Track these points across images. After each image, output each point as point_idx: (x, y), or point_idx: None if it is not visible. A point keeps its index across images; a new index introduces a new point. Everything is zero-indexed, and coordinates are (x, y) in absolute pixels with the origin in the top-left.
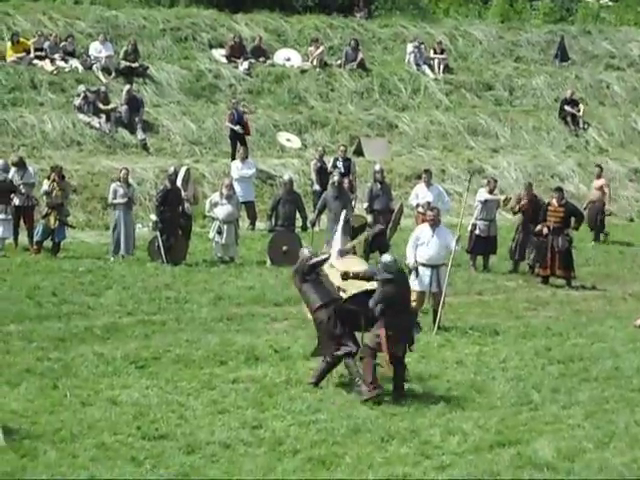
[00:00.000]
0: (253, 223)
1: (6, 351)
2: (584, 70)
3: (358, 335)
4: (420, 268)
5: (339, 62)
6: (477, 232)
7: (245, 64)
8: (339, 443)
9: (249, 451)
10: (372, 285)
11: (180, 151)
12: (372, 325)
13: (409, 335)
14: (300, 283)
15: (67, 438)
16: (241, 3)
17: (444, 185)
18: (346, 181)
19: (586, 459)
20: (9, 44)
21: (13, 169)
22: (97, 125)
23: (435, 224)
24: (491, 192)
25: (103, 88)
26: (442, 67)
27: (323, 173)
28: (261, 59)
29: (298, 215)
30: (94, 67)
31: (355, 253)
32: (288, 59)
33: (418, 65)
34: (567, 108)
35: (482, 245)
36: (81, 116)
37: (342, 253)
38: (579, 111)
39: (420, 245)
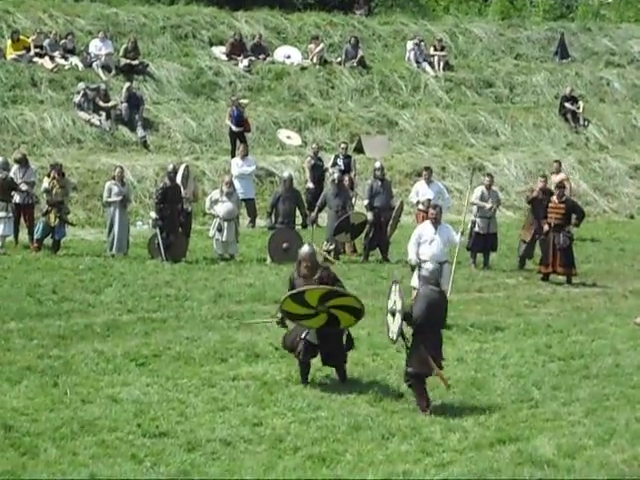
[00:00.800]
0: (253, 220)
1: (6, 349)
2: (584, 67)
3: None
4: (424, 265)
5: (339, 59)
6: (476, 229)
7: (245, 61)
8: (339, 440)
9: (249, 448)
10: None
11: (180, 148)
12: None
13: (441, 351)
14: None
15: (67, 436)
16: (241, 0)
17: (444, 182)
18: (346, 178)
19: (586, 456)
20: (9, 42)
21: (15, 166)
22: (97, 123)
23: (437, 222)
24: (488, 188)
25: (103, 86)
26: (442, 64)
27: (317, 171)
28: (261, 56)
29: (298, 212)
30: (94, 64)
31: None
32: (288, 56)
33: (418, 62)
34: (567, 105)
35: (481, 242)
36: (81, 114)
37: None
38: (579, 108)
39: (423, 243)
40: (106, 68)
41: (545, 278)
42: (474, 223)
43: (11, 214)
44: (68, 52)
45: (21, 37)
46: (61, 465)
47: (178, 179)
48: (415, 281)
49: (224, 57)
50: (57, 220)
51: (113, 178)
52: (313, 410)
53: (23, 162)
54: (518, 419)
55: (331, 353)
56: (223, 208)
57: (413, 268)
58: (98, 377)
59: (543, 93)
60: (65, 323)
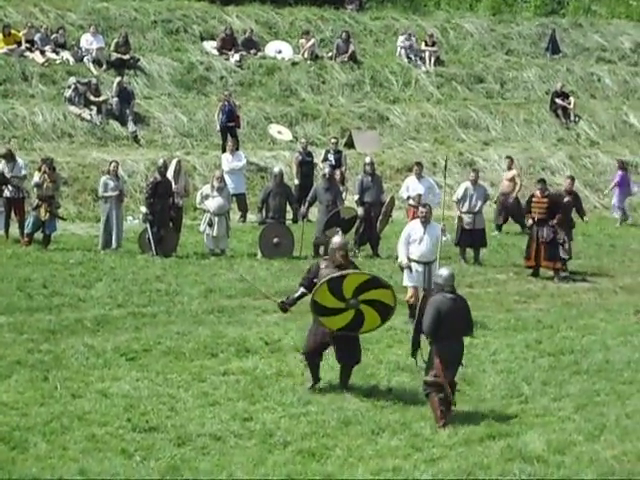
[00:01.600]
0: (244, 215)
1: None
2: (575, 63)
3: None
4: (413, 264)
5: (330, 54)
6: (462, 225)
7: (236, 56)
8: (329, 435)
9: (239, 443)
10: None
11: (171, 143)
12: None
13: (459, 359)
14: None
15: (57, 430)
16: None
17: (435, 178)
18: (337, 173)
19: (576, 452)
20: (0, 36)
21: (2, 162)
22: (88, 117)
23: (426, 221)
24: (474, 183)
25: (94, 80)
26: (433, 60)
27: (305, 166)
28: (252, 51)
29: (289, 207)
30: (85, 59)
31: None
32: (279, 51)
33: (409, 58)
34: (558, 101)
35: (468, 238)
36: (72, 108)
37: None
38: (570, 104)
39: (412, 242)
40: (97, 62)
41: (535, 274)
42: (460, 219)
43: (2, 208)
44: (59, 46)
45: (12, 31)
46: (51, 459)
47: (169, 174)
48: (406, 281)
49: (215, 52)
50: (48, 214)
51: (108, 173)
52: (303, 405)
53: (9, 157)
54: (508, 415)
55: (346, 349)
56: (214, 203)
57: (402, 268)
58: (88, 372)
59: (534, 89)
60: (55, 317)
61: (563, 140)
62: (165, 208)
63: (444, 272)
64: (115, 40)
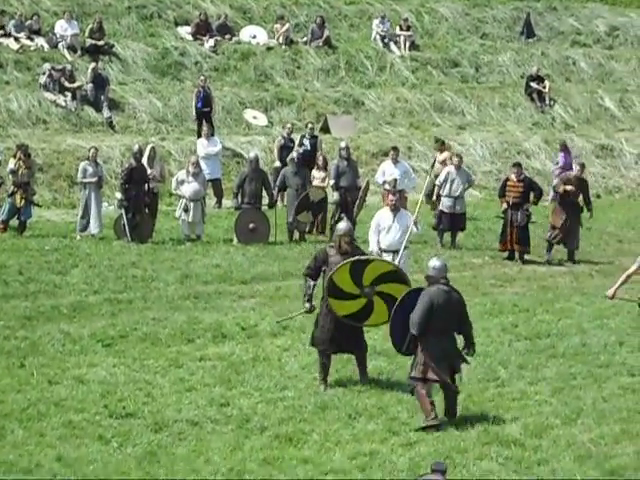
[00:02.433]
0: (219, 201)
1: None
2: (550, 47)
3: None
4: (383, 254)
5: (305, 39)
6: (441, 208)
7: (211, 41)
8: (306, 420)
9: (216, 429)
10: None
11: (146, 129)
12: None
13: (450, 356)
14: None
15: (34, 417)
16: None
17: (410, 162)
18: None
19: (553, 435)
20: None
21: None
22: (63, 103)
23: (396, 209)
24: (458, 168)
25: (69, 66)
26: (408, 44)
27: (286, 151)
28: (227, 36)
29: (264, 193)
30: (60, 45)
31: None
32: (254, 36)
33: (384, 42)
34: (533, 85)
35: (447, 221)
36: (47, 94)
37: None
38: (545, 88)
39: (381, 231)
40: (72, 49)
41: (511, 257)
42: (439, 201)
43: None
44: (33, 33)
45: None
46: (28, 446)
47: (144, 160)
48: None
49: (190, 37)
50: (23, 201)
51: (87, 158)
52: (280, 390)
53: None
54: (484, 398)
55: (350, 337)
56: (189, 189)
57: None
58: (65, 358)
59: (509, 73)
60: (31, 304)
61: (538, 124)
62: (140, 194)
63: (436, 263)
64: (90, 26)
